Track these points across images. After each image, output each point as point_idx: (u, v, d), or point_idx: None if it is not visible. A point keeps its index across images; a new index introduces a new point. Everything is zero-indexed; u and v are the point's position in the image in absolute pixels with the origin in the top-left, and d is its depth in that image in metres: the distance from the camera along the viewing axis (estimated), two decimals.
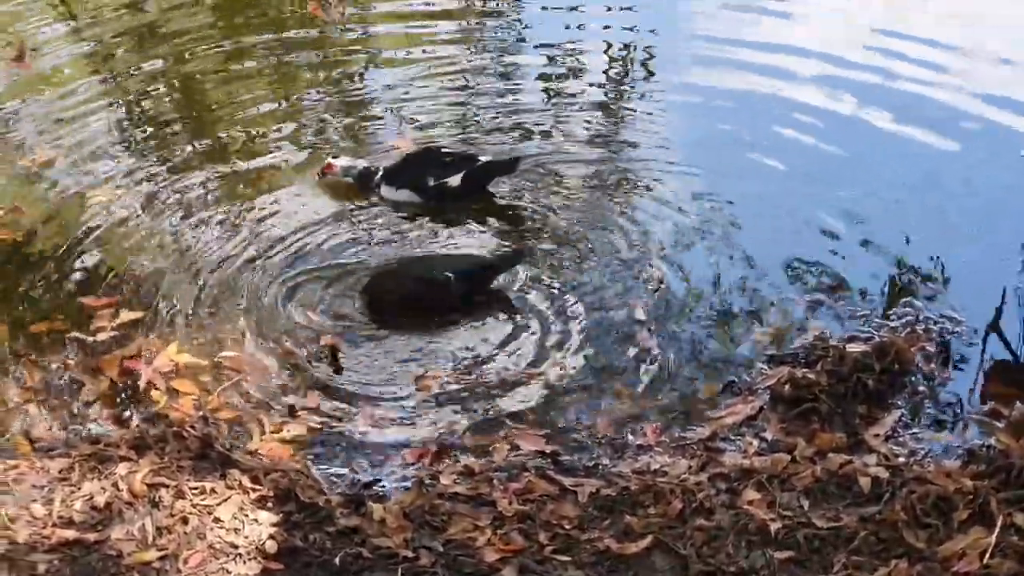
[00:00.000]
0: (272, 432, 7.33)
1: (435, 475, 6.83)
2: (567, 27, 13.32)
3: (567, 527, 6.30)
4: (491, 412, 7.58)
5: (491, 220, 9.71)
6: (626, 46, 12.90)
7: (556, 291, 8.67)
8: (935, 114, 11.03)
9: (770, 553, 6.02)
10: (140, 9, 13.99)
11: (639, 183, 10.14)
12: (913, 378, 7.55)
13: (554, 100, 11.76)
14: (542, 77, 12.22)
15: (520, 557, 6.09)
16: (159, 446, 6.83)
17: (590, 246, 9.20)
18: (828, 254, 8.98)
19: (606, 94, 11.91)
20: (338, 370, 7.96)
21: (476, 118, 11.33)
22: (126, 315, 8.32)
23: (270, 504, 6.44)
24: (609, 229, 9.43)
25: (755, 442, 7.08)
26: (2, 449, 7.09)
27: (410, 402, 7.68)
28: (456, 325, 8.39)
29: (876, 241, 9.10)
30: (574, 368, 7.94)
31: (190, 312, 8.50)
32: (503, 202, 9.94)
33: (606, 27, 13.26)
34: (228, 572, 5.99)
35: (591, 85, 12.05)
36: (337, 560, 6.06)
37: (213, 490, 6.47)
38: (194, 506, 6.34)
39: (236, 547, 6.11)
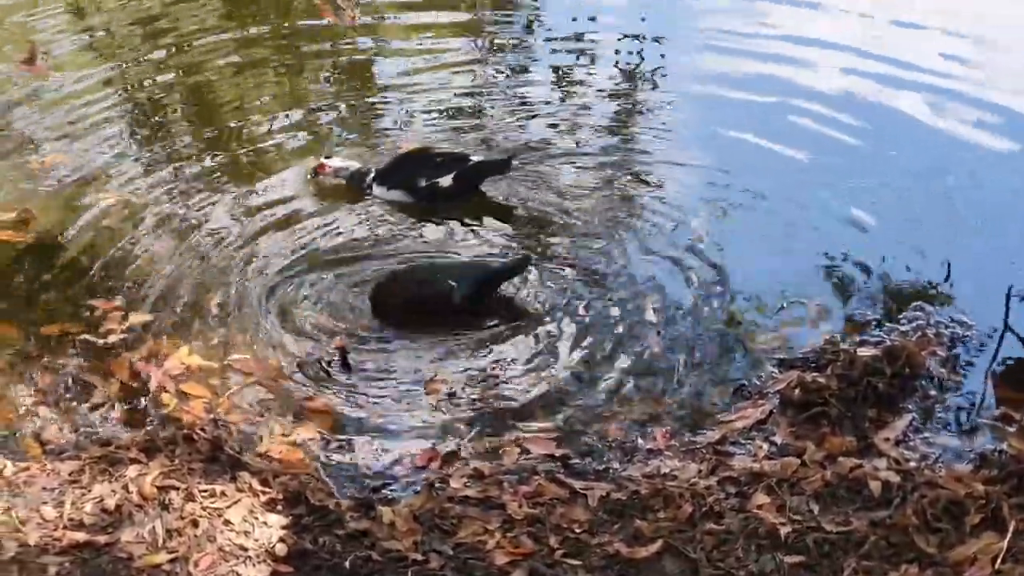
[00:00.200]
0: (282, 435, 7.33)
1: (445, 478, 6.82)
2: (574, 19, 13.30)
3: (577, 531, 6.29)
4: (501, 415, 7.57)
5: (499, 220, 9.73)
6: (637, 36, 12.93)
7: (565, 293, 8.67)
8: (949, 109, 11.05)
9: (780, 557, 6.02)
10: (149, 11, 13.99)
11: (649, 181, 10.15)
12: (924, 382, 7.53)
13: (564, 96, 11.79)
14: (552, 72, 12.26)
15: (530, 561, 6.08)
16: (169, 449, 6.83)
17: (599, 246, 9.21)
18: (839, 255, 8.97)
19: (617, 89, 11.93)
20: (348, 372, 7.95)
21: (485, 116, 11.34)
22: (136, 318, 8.34)
23: (280, 507, 6.44)
24: (619, 229, 9.44)
25: (765, 446, 7.07)
26: (13, 451, 7.10)
27: (419, 405, 7.67)
28: (465, 328, 8.37)
29: (887, 243, 9.07)
30: (583, 371, 7.93)
31: (200, 315, 8.50)
32: (512, 201, 9.95)
33: (619, 29, 13.24)
34: (238, 575, 5.99)
35: (602, 81, 12.10)
36: (347, 563, 6.06)
37: (223, 493, 6.47)
38: (204, 509, 6.34)
39: (246, 550, 6.11)
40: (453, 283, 8.36)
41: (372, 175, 10.01)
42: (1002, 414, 7.34)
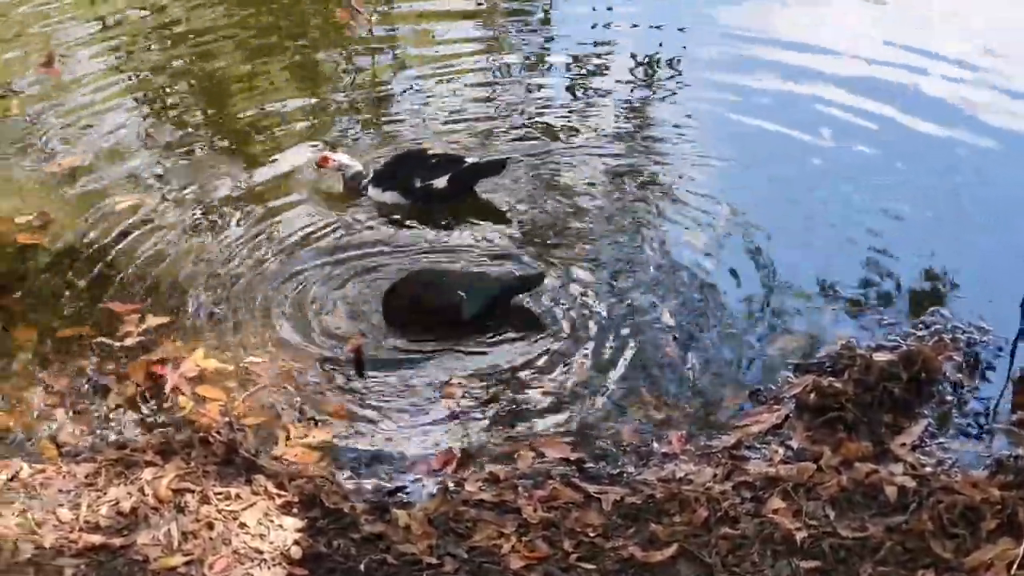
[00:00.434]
0: (297, 438, 7.34)
1: (460, 482, 6.82)
2: (593, 26, 13.29)
3: (592, 535, 6.28)
4: (516, 419, 7.58)
5: (514, 218, 9.73)
6: (654, 27, 12.95)
7: (580, 296, 8.66)
8: (970, 100, 11.05)
9: (796, 562, 6.00)
10: (165, 12, 14.03)
11: (666, 184, 10.12)
12: (940, 387, 7.52)
13: (580, 90, 11.80)
14: (568, 74, 12.26)
15: (545, 564, 6.08)
16: (185, 451, 6.84)
17: (615, 246, 9.21)
18: (855, 260, 8.95)
19: (633, 90, 11.90)
20: (363, 375, 7.96)
21: (500, 116, 11.35)
22: (152, 320, 8.34)
23: (295, 510, 6.45)
24: (635, 231, 9.42)
25: (781, 450, 7.06)
26: (29, 453, 7.13)
27: (435, 408, 7.67)
28: (480, 332, 8.37)
29: (905, 246, 9.06)
30: (599, 375, 7.93)
31: (216, 318, 8.52)
32: (528, 199, 9.94)
33: (634, 25, 13.23)
34: None
35: (619, 73, 12.13)
36: (362, 566, 6.06)
37: (238, 495, 6.48)
38: (219, 511, 6.35)
39: (261, 553, 6.12)
40: (462, 294, 8.33)
41: (369, 177, 10.03)
42: (1018, 419, 7.32)
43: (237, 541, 6.17)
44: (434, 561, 6.09)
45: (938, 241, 9.10)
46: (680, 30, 13.11)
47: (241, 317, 8.53)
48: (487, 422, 7.54)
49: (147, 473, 6.61)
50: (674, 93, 11.77)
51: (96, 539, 6.17)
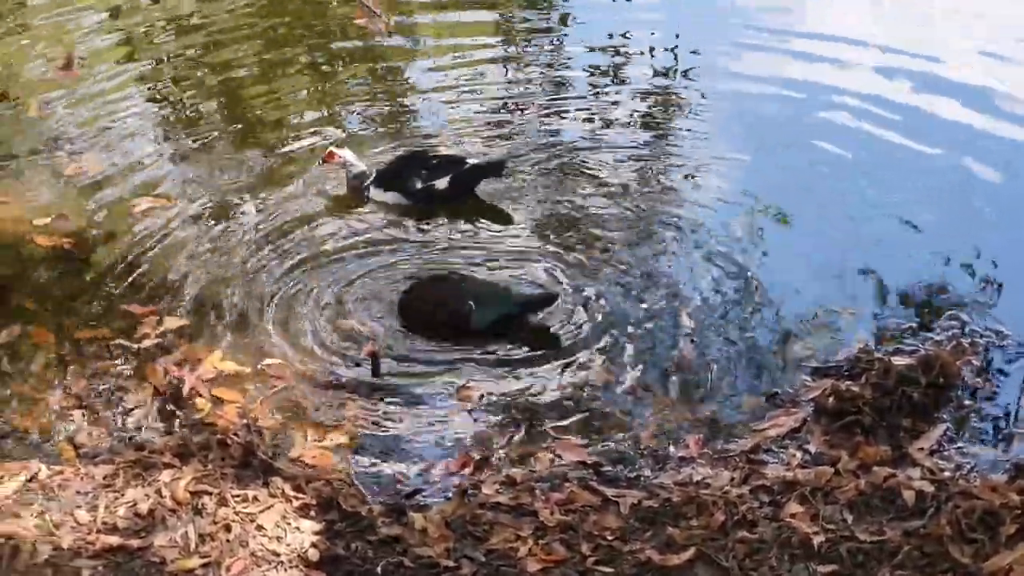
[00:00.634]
0: (314, 440, 7.35)
1: (477, 485, 6.82)
2: (611, 20, 13.28)
3: (609, 538, 6.28)
4: (533, 422, 7.57)
5: (532, 221, 9.74)
6: (671, 33, 12.96)
7: (598, 298, 8.65)
8: (986, 105, 11.02)
9: (813, 567, 5.99)
10: (185, 20, 14.07)
11: (682, 183, 10.17)
12: (959, 392, 7.50)
13: (596, 94, 11.83)
14: (585, 69, 12.31)
15: (562, 568, 6.08)
16: (202, 453, 6.85)
17: (632, 249, 9.20)
18: (874, 262, 8.93)
19: (649, 86, 11.93)
20: (379, 378, 7.96)
21: (516, 112, 11.40)
22: (170, 322, 8.38)
23: (312, 512, 6.45)
24: (652, 231, 9.43)
25: (798, 454, 7.05)
26: (47, 455, 7.14)
27: (452, 411, 7.67)
28: (497, 335, 8.36)
29: (921, 250, 9.06)
30: (616, 378, 7.92)
31: (234, 320, 8.54)
32: (544, 201, 9.95)
33: (651, 29, 13.22)
34: None
35: (634, 77, 12.15)
36: (379, 569, 6.07)
37: (256, 498, 6.49)
38: (237, 514, 6.35)
39: (278, 555, 6.12)
40: (472, 304, 8.31)
41: (372, 178, 10.05)
42: None
43: (254, 543, 6.18)
44: (451, 564, 6.09)
45: (955, 243, 9.09)
46: (695, 25, 13.12)
47: (258, 319, 8.54)
48: (504, 425, 7.53)
49: (165, 475, 6.62)
50: (690, 88, 11.81)
51: (114, 541, 6.18)
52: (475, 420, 7.59)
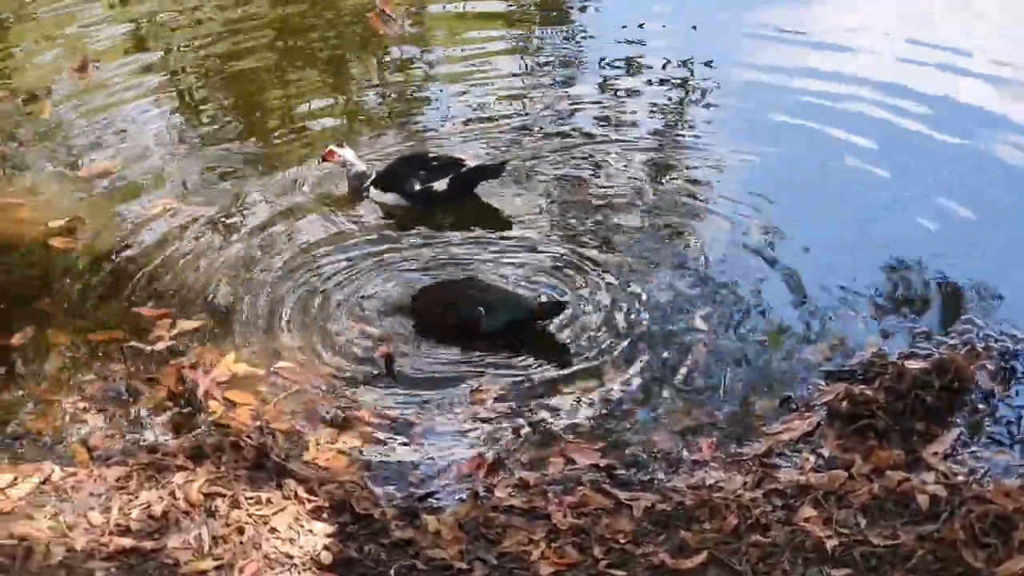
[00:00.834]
0: (327, 443, 7.35)
1: (490, 487, 6.82)
2: (624, 27, 13.26)
3: (622, 541, 6.27)
4: (546, 425, 7.56)
5: (547, 223, 9.73)
6: (687, 29, 12.97)
7: (612, 302, 8.64)
8: (1002, 101, 11.00)
9: (826, 571, 5.98)
10: (197, 16, 14.09)
11: (696, 186, 10.12)
12: (972, 396, 7.48)
13: (610, 91, 11.81)
14: (599, 73, 12.28)
15: (574, 571, 6.08)
16: (216, 456, 6.86)
17: (646, 253, 9.18)
18: (888, 266, 8.90)
19: (664, 90, 11.91)
20: (393, 381, 7.97)
21: (531, 116, 11.39)
22: (184, 325, 8.40)
23: (325, 515, 6.46)
24: (666, 235, 9.41)
25: (812, 458, 7.03)
26: (61, 457, 7.16)
27: (465, 414, 7.67)
28: (510, 338, 8.36)
29: (935, 254, 9.00)
30: (629, 381, 7.91)
31: (247, 322, 8.55)
32: (558, 205, 9.94)
33: (664, 26, 13.19)
34: None
35: (649, 81, 12.10)
36: (392, 571, 6.07)
37: (269, 500, 6.49)
38: (250, 516, 6.36)
39: (291, 557, 6.13)
40: (482, 309, 8.30)
41: (371, 178, 10.08)
42: None
43: (267, 546, 6.18)
44: (464, 567, 6.09)
45: (969, 248, 9.06)
46: (709, 29, 13.10)
47: (271, 321, 8.55)
48: (517, 428, 7.52)
49: (178, 477, 6.63)
50: (705, 92, 11.79)
51: (127, 543, 6.19)
52: (488, 423, 7.58)
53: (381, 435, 7.49)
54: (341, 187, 10.23)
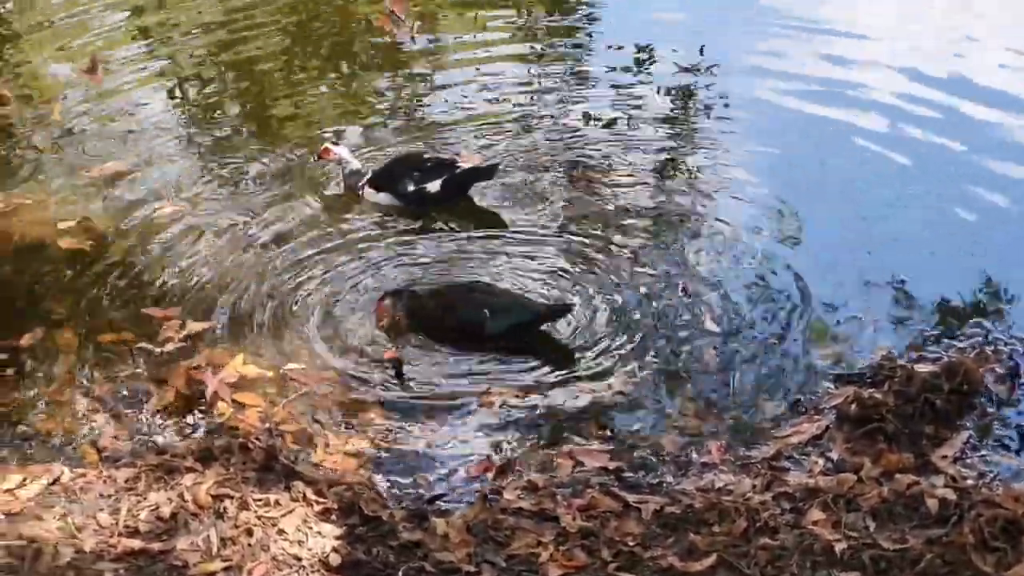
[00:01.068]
0: (336, 444, 7.36)
1: (498, 490, 6.81)
2: (630, 40, 13.27)
3: (631, 544, 6.27)
4: (554, 427, 7.56)
5: (556, 223, 9.73)
6: (693, 31, 12.98)
7: (621, 306, 8.64)
8: (1013, 113, 10.95)
9: (835, 574, 5.97)
10: (205, 17, 14.11)
11: (706, 187, 10.13)
12: (982, 399, 7.47)
13: (618, 99, 11.79)
14: (609, 68, 12.30)
15: (583, 574, 6.07)
16: (224, 457, 6.86)
17: (656, 259, 9.17)
18: (897, 269, 8.87)
19: (674, 84, 11.93)
20: (402, 383, 7.97)
21: (536, 118, 11.41)
22: (193, 326, 8.39)
23: (334, 517, 6.46)
24: (676, 242, 9.40)
25: (821, 461, 7.03)
26: (70, 458, 7.17)
27: (473, 417, 7.67)
28: (518, 341, 8.36)
29: (945, 257, 9.02)
30: (638, 384, 7.91)
31: (256, 324, 8.55)
32: (567, 203, 9.94)
33: (674, 50, 13.18)
34: None
35: (659, 74, 12.19)
36: (400, 574, 6.06)
37: (277, 502, 6.49)
38: (258, 518, 6.36)
39: (300, 559, 6.12)
40: (487, 312, 8.29)
41: (366, 178, 10.09)
42: None
43: (276, 547, 6.18)
44: (472, 569, 6.09)
45: (972, 247, 9.07)
46: (711, 29, 13.11)
47: (280, 323, 8.56)
48: (526, 430, 7.53)
49: (187, 479, 6.63)
50: (706, 92, 11.82)
51: (136, 544, 6.19)
52: (497, 425, 7.58)
53: (389, 437, 7.49)
54: (340, 186, 10.24)
